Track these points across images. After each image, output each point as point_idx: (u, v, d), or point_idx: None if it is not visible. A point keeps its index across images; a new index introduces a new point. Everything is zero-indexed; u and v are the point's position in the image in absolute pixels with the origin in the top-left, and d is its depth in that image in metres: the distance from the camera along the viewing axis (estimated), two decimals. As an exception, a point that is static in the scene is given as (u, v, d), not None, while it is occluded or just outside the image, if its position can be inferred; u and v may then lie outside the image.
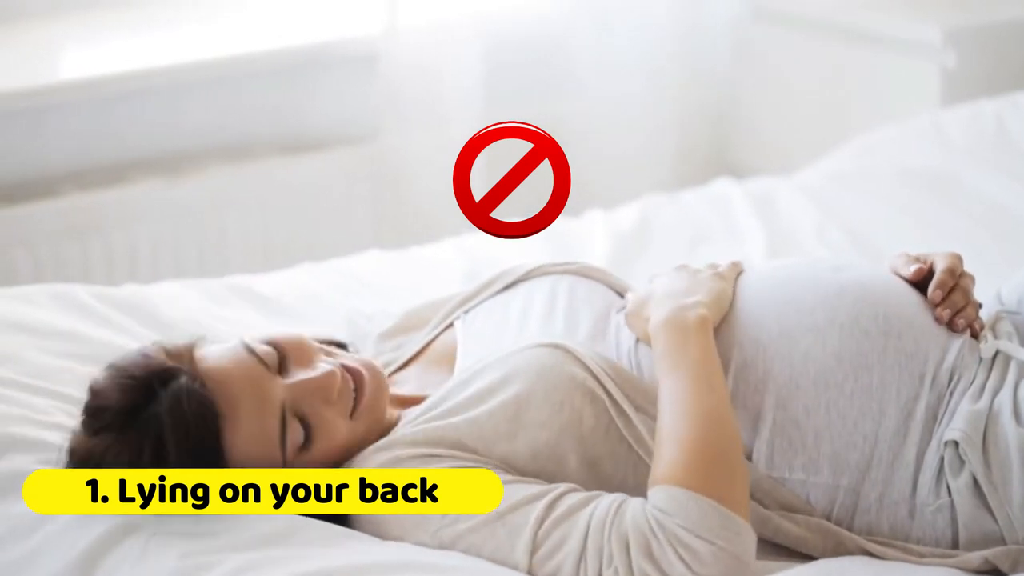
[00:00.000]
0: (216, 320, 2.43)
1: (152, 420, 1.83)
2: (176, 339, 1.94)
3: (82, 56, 3.59)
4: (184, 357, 1.89)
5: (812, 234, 2.93)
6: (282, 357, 1.92)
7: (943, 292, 1.98)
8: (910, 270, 2.02)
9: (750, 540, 1.75)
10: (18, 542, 1.83)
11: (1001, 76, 3.59)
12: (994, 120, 3.18)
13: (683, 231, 2.96)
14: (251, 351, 1.90)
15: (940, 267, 2.01)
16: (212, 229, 3.50)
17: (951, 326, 1.97)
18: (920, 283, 2.03)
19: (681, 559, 1.72)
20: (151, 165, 3.47)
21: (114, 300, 2.42)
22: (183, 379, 1.84)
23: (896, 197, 3.03)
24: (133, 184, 3.42)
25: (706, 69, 4.01)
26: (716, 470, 1.77)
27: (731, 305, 1.98)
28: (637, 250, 2.87)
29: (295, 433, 1.88)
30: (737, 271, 2.04)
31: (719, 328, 1.95)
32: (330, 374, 1.91)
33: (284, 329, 2.06)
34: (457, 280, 2.67)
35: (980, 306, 2.02)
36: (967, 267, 2.69)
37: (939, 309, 1.97)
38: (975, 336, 1.99)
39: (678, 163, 3.96)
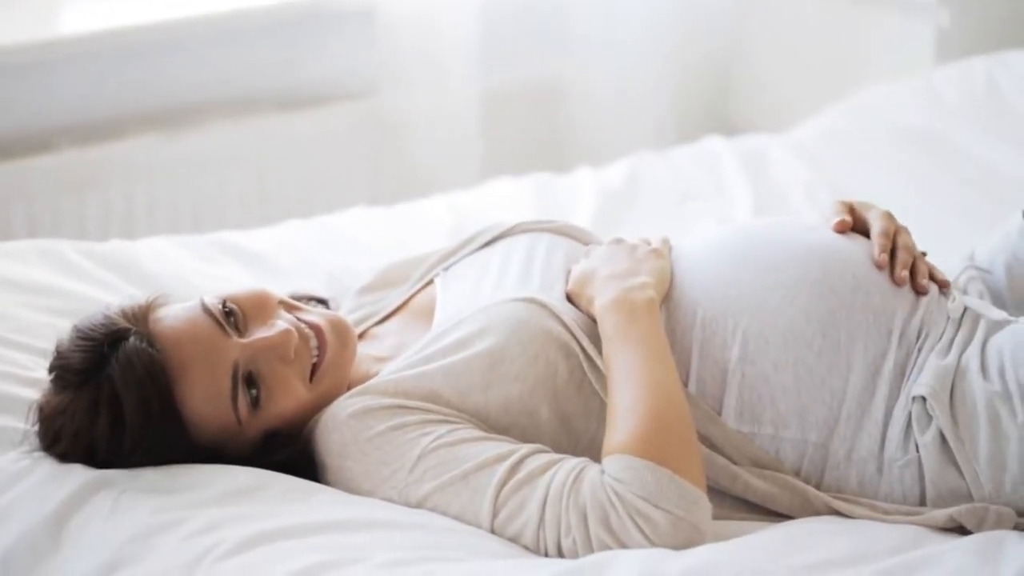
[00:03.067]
0: (202, 276, 2.45)
1: (105, 381, 1.86)
2: (138, 298, 1.97)
3: (82, 11, 3.60)
4: (140, 317, 1.91)
5: (801, 193, 2.93)
6: (241, 315, 1.93)
7: (886, 254, 1.98)
8: (832, 223, 2.03)
9: (706, 509, 1.78)
10: (-7, 497, 1.86)
11: (995, 35, 3.57)
12: (985, 79, 3.17)
13: (672, 189, 2.96)
14: (207, 311, 1.91)
15: (875, 229, 2.02)
16: (209, 185, 3.51)
17: (915, 288, 1.98)
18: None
19: (639, 529, 1.74)
20: (149, 120, 3.48)
21: (100, 256, 2.44)
22: (132, 340, 1.87)
23: (886, 156, 3.03)
24: (131, 139, 3.43)
25: (705, 27, 4.01)
26: (672, 441, 1.79)
27: (699, 260, 1.99)
28: (625, 208, 2.88)
29: (248, 392, 1.90)
30: (668, 247, 2.06)
31: (681, 285, 1.97)
32: (286, 332, 1.92)
33: (247, 285, 2.07)
34: (445, 237, 2.68)
35: (925, 254, 2.04)
36: (956, 227, 2.72)
37: (897, 271, 1.98)
38: (943, 286, 2.00)
39: (677, 121, 3.95)
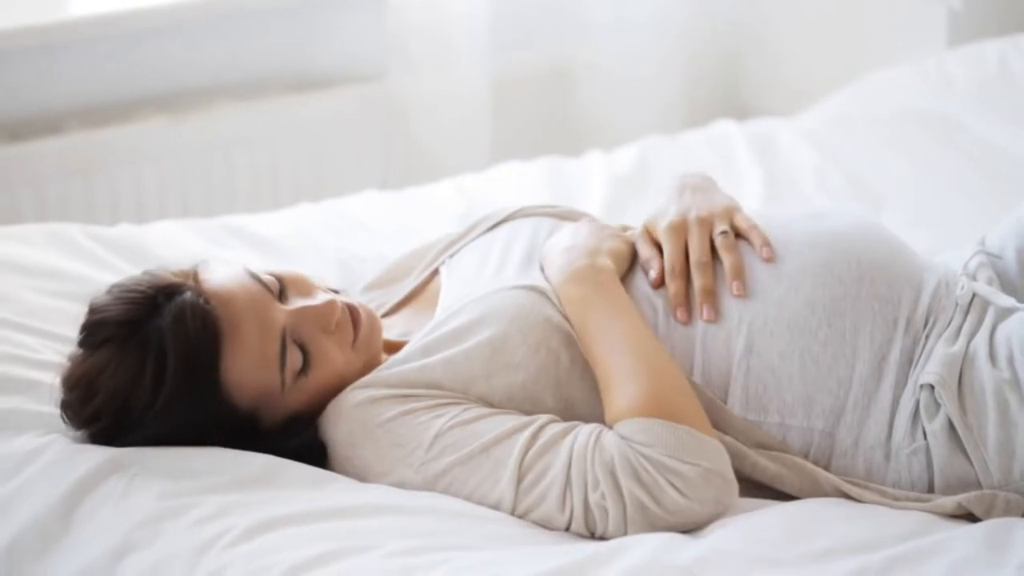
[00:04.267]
0: (212, 261, 2.44)
1: (154, 333, 1.84)
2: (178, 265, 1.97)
3: (91, -6, 3.60)
4: (189, 276, 1.91)
5: (811, 177, 2.93)
6: (283, 286, 1.93)
7: (680, 297, 1.93)
8: (651, 278, 1.97)
9: (727, 457, 1.80)
10: (5, 480, 1.86)
11: (1008, 17, 3.55)
12: (997, 62, 3.16)
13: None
14: (255, 276, 1.92)
15: (666, 262, 1.96)
16: (219, 168, 3.51)
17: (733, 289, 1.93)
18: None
19: (672, 485, 1.76)
20: (158, 103, 3.47)
21: (109, 240, 2.43)
22: (188, 294, 1.86)
23: (897, 139, 3.02)
24: (139, 122, 3.42)
25: (717, 9, 4.00)
26: (678, 398, 1.82)
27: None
28: (634, 192, 2.87)
29: (294, 358, 1.90)
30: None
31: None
32: (331, 303, 1.92)
33: (285, 266, 2.09)
34: (454, 221, 2.67)
35: (734, 212, 1.98)
36: (967, 212, 2.71)
37: (700, 312, 1.92)
38: (767, 258, 1.94)
39: (690, 103, 3.94)
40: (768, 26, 3.99)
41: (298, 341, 1.90)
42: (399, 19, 3.62)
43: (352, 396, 1.89)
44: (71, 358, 1.91)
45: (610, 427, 1.83)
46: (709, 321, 1.92)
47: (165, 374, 1.83)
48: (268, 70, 3.59)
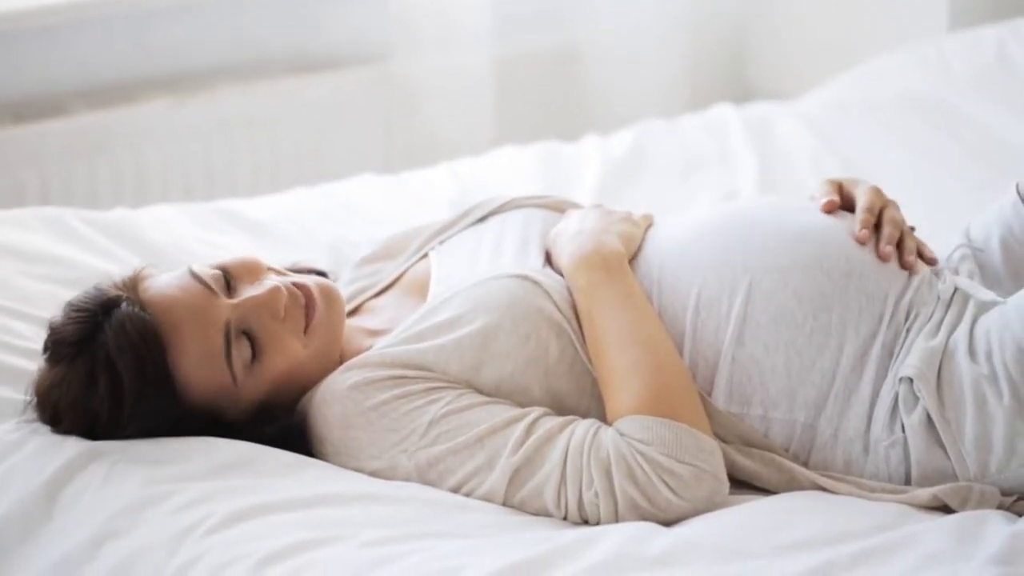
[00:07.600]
0: (204, 245, 2.46)
1: (100, 349, 1.88)
2: (126, 271, 2.00)
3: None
4: (130, 286, 1.94)
5: (807, 162, 2.93)
6: (230, 279, 1.95)
7: (867, 230, 1.98)
8: (820, 203, 2.02)
9: (721, 458, 1.83)
10: (-15, 469, 1.88)
11: (1008, 2, 3.54)
12: (996, 48, 3.14)
13: (677, 158, 2.95)
14: (195, 276, 1.94)
15: (860, 204, 2.01)
16: (222, 149, 3.51)
17: (902, 264, 1.97)
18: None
19: (666, 484, 1.78)
20: (160, 84, 3.47)
21: (103, 225, 2.45)
22: (124, 306, 1.89)
23: (894, 125, 3.02)
24: (142, 104, 3.43)
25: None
26: (679, 394, 1.84)
27: (693, 243, 1.99)
28: (629, 177, 2.87)
29: (242, 350, 1.92)
30: (648, 223, 2.08)
31: (676, 268, 1.97)
32: (275, 289, 1.94)
33: (235, 253, 2.10)
34: (449, 206, 2.68)
35: (914, 229, 2.03)
36: (963, 198, 2.71)
37: (881, 246, 1.97)
38: (931, 263, 2.00)
39: (695, 85, 3.94)
40: (772, 8, 3.98)
41: (248, 331, 1.92)
42: (402, 0, 3.62)
43: (347, 377, 1.90)
44: (39, 371, 1.95)
45: (611, 423, 1.85)
46: (885, 257, 1.95)
47: (121, 385, 1.88)
48: (272, 51, 3.59)
